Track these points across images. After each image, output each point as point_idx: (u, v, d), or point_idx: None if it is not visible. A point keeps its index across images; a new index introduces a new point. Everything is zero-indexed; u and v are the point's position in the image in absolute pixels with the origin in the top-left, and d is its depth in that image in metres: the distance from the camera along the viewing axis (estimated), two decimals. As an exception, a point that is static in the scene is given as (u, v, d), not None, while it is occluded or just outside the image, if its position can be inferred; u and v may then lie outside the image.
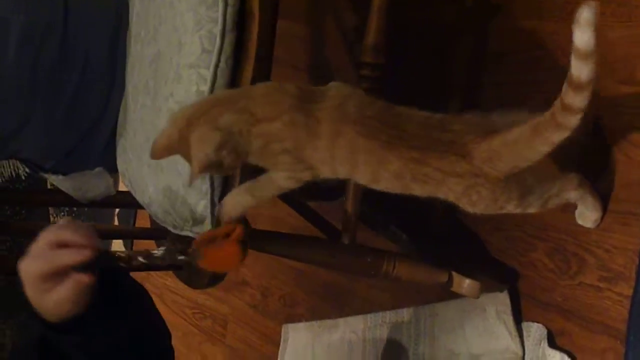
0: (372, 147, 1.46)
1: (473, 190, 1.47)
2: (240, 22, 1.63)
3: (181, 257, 1.52)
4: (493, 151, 1.42)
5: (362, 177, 1.53)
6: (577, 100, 1.28)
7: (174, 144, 1.48)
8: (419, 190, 1.51)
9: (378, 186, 1.53)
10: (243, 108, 1.47)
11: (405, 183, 1.49)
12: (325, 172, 1.53)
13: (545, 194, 1.55)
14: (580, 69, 1.26)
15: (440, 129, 1.46)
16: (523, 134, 1.39)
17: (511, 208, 1.53)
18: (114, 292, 1.43)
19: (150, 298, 1.64)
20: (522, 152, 1.40)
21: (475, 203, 1.50)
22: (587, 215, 1.75)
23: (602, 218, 1.75)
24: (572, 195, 1.59)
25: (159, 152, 1.51)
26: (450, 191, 1.49)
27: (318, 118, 1.47)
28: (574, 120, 1.31)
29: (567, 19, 1.80)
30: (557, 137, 1.35)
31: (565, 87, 1.29)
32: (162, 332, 1.65)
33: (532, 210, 1.56)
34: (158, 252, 1.53)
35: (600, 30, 1.75)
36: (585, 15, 1.20)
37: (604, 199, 1.76)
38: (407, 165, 1.46)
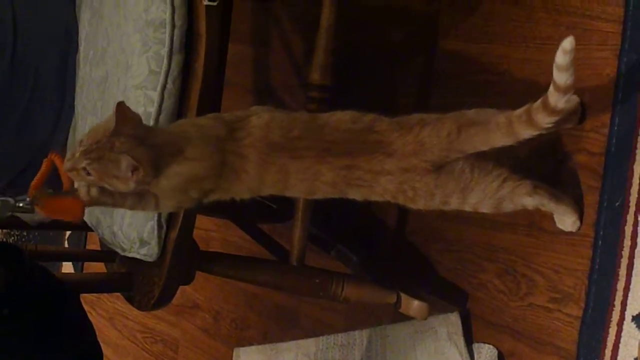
0: (304, 166, 1.48)
1: (406, 185, 1.49)
2: (188, 44, 1.63)
3: (20, 205, 1.52)
4: (419, 142, 1.46)
5: (296, 192, 1.55)
6: (546, 120, 1.40)
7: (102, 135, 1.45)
8: (355, 194, 1.53)
9: (315, 197, 1.56)
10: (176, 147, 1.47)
11: (341, 189, 1.52)
12: (243, 196, 1.55)
13: (493, 194, 1.54)
14: (557, 99, 1.38)
15: (367, 130, 1.49)
16: (465, 128, 1.46)
17: (456, 203, 1.54)
18: (27, 288, 1.40)
19: (74, 296, 1.61)
20: (456, 143, 1.46)
21: (413, 199, 1.52)
22: (561, 219, 1.74)
23: (580, 219, 1.74)
24: (528, 201, 1.58)
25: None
26: (385, 191, 1.51)
27: (244, 155, 1.48)
28: (528, 134, 1.42)
29: (515, 44, 1.83)
30: (502, 141, 1.44)
31: (537, 105, 1.40)
32: (86, 329, 1.62)
33: (485, 210, 1.56)
34: None
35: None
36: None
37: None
38: (339, 173, 1.49)
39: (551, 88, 1.38)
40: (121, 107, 1.44)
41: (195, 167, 1.47)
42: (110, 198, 1.50)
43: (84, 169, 1.42)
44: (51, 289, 1.51)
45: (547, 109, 1.39)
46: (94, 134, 1.46)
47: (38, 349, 1.44)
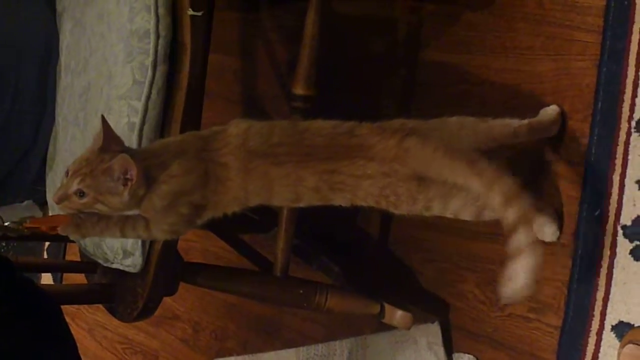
0: (286, 172, 1.48)
1: (389, 190, 1.49)
2: (172, 54, 1.63)
3: (7, 224, 1.52)
4: (403, 149, 1.46)
5: (282, 200, 1.55)
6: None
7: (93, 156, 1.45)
8: (339, 199, 1.53)
9: (300, 204, 1.55)
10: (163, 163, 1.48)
11: (324, 195, 1.51)
12: (233, 208, 1.54)
13: (474, 202, 1.54)
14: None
15: (347, 135, 1.49)
16: (451, 159, 1.45)
17: (438, 209, 1.54)
18: (14, 300, 1.39)
19: (57, 308, 1.60)
20: (438, 163, 1.46)
21: (396, 204, 1.52)
22: (541, 229, 1.75)
23: (560, 229, 1.75)
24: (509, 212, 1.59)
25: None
26: (368, 195, 1.51)
27: (225, 163, 1.48)
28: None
29: (496, 54, 1.84)
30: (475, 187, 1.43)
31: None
32: (68, 341, 1.61)
33: (466, 217, 1.57)
34: None
35: (529, 63, 1.80)
36: None
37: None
38: (322, 177, 1.48)
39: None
40: (106, 121, 1.44)
41: (180, 182, 1.46)
42: (96, 218, 1.50)
43: (77, 191, 1.41)
44: (36, 301, 1.50)
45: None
46: (78, 160, 1.45)
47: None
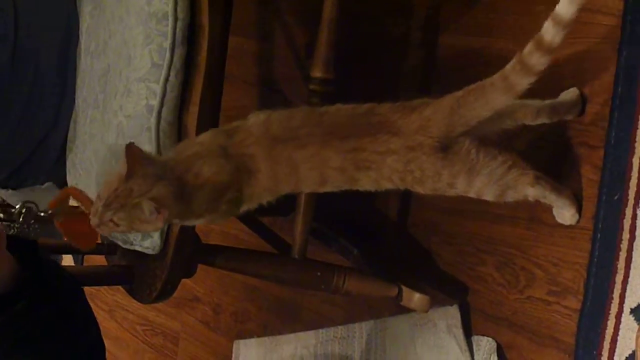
0: (311, 153, 1.49)
1: (414, 164, 1.49)
2: (191, 36, 1.63)
3: (42, 214, 1.53)
4: (424, 119, 1.47)
5: (310, 184, 1.55)
6: (541, 61, 1.39)
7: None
8: (365, 178, 1.53)
9: (327, 187, 1.56)
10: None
11: (350, 175, 1.52)
12: (266, 199, 1.56)
13: (497, 180, 1.54)
14: (554, 34, 1.37)
15: (368, 114, 1.51)
16: (463, 98, 1.47)
17: (462, 186, 1.54)
18: (42, 282, 1.40)
19: (81, 289, 1.61)
20: (458, 116, 1.47)
21: (421, 180, 1.52)
22: (560, 212, 1.75)
23: (580, 213, 1.74)
24: (530, 192, 1.58)
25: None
26: (392, 172, 1.51)
27: (251, 154, 1.49)
28: (525, 83, 1.42)
29: (516, 37, 1.83)
30: (502, 100, 1.45)
31: (530, 48, 1.40)
32: (92, 323, 1.61)
33: (489, 197, 1.57)
34: (16, 208, 1.54)
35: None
36: None
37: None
38: (346, 156, 1.49)
39: (549, 23, 1.38)
40: (130, 148, 1.43)
41: (214, 185, 1.48)
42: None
43: (111, 220, 1.43)
44: (62, 283, 1.50)
45: (542, 47, 1.39)
46: (108, 184, 1.45)
47: (48, 343, 1.43)
